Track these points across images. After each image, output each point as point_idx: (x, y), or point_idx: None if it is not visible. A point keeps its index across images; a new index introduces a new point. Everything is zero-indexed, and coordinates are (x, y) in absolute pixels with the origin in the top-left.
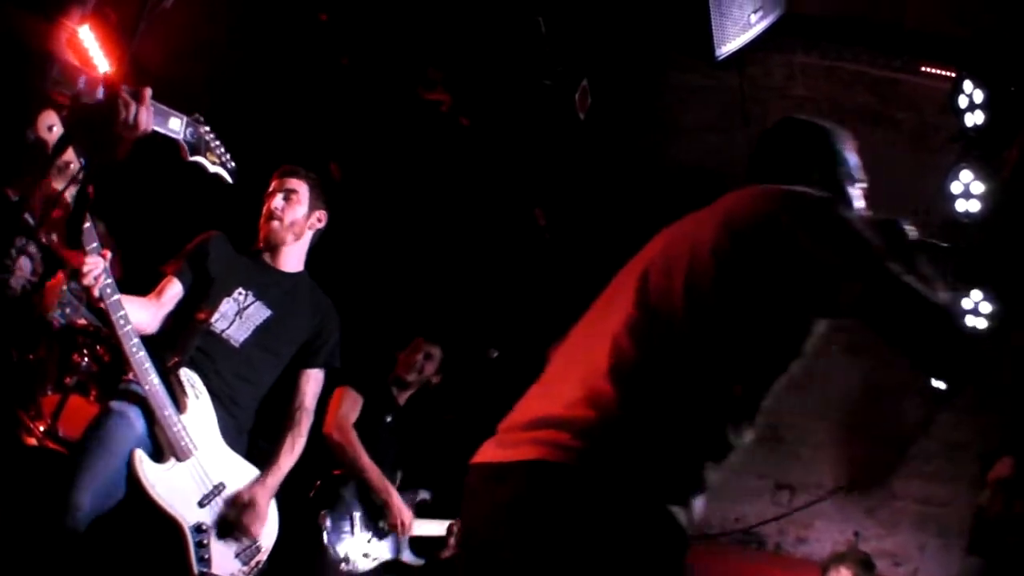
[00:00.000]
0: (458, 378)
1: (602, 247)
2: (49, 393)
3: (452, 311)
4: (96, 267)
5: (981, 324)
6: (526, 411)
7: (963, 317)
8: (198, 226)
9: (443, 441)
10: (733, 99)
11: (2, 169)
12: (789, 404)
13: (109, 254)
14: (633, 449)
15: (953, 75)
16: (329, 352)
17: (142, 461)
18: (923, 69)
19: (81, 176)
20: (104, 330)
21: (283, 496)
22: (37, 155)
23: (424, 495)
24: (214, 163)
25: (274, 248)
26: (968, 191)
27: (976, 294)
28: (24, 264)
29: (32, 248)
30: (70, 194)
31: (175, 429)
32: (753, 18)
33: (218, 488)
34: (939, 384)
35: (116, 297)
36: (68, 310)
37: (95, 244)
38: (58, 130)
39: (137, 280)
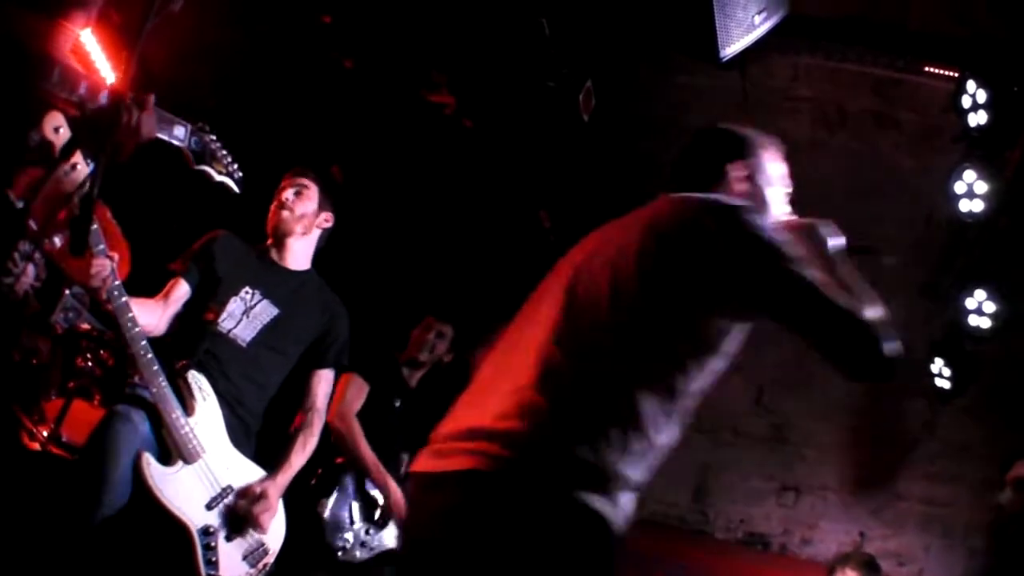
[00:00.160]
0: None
1: None
2: (52, 397)
3: (456, 315)
4: (104, 269)
5: (985, 324)
6: (459, 421)
7: (878, 322)
8: (204, 228)
9: None
10: (736, 101)
11: (3, 170)
12: (794, 406)
13: (116, 256)
14: (562, 455)
15: (956, 75)
16: (338, 351)
17: (149, 464)
18: (926, 69)
19: (88, 179)
20: (108, 334)
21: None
22: (43, 157)
23: None
24: (220, 172)
25: (281, 239)
26: (971, 191)
27: (980, 294)
28: (29, 269)
29: (36, 254)
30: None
31: (183, 432)
32: (757, 19)
33: (226, 491)
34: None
35: (124, 299)
36: (71, 314)
37: (102, 246)
38: (65, 132)
39: (142, 281)
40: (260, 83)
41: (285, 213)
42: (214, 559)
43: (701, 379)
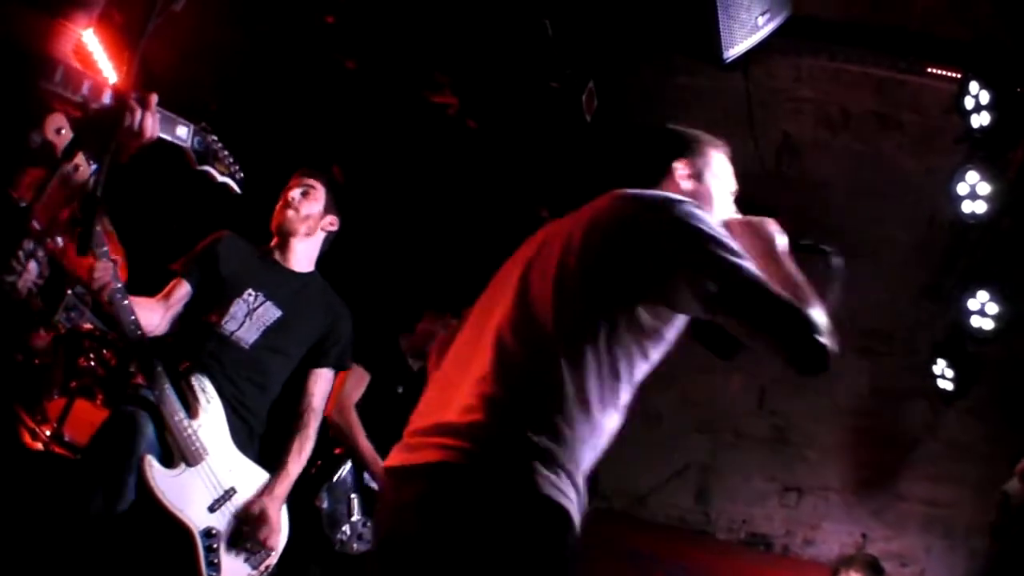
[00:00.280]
0: None
1: None
2: (55, 397)
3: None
4: (106, 271)
5: (987, 325)
6: (427, 416)
7: (817, 316)
8: (206, 229)
9: None
10: (739, 102)
11: (6, 170)
12: (796, 407)
13: (119, 258)
14: (520, 445)
15: (959, 76)
16: (340, 352)
17: (152, 466)
18: (929, 70)
19: (91, 181)
20: (110, 334)
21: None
22: (45, 158)
23: None
24: (222, 173)
25: (285, 239)
26: (974, 192)
27: (982, 295)
28: (32, 268)
29: (40, 252)
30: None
31: (186, 434)
32: (760, 20)
33: (229, 493)
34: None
35: (126, 302)
36: (74, 314)
37: (104, 248)
38: (66, 133)
39: (143, 281)
40: (263, 84)
41: (290, 212)
42: (216, 561)
43: (645, 366)
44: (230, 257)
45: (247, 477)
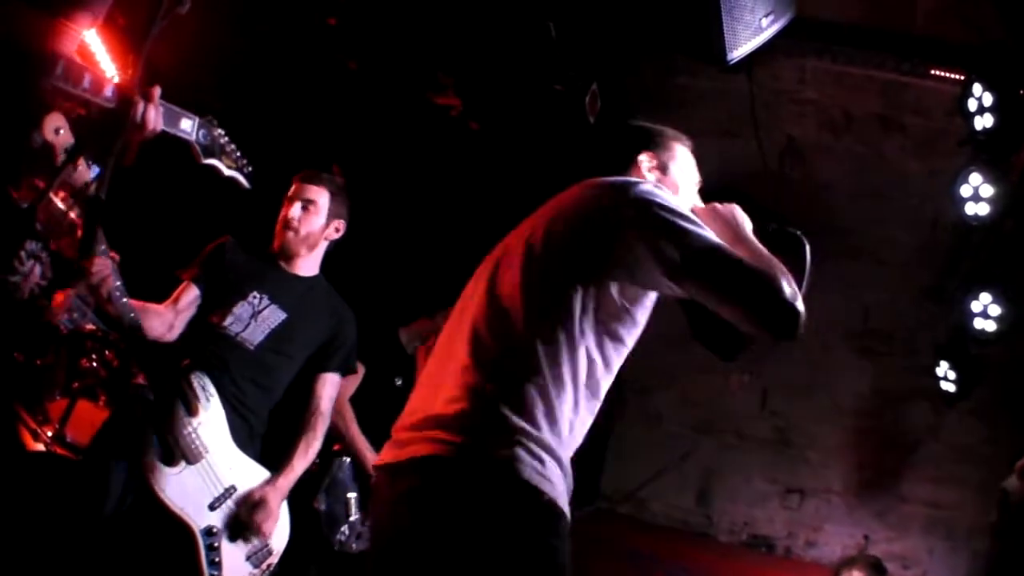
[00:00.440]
0: None
1: None
2: (57, 398)
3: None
4: (105, 267)
5: (990, 327)
6: (415, 411)
7: (787, 281)
8: (209, 229)
9: None
10: (743, 103)
11: (7, 170)
12: (798, 408)
13: (118, 256)
14: (504, 430)
15: (962, 79)
16: (345, 356)
17: (152, 464)
18: (932, 73)
19: (94, 181)
20: (112, 334)
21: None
22: (44, 159)
23: None
24: (230, 167)
25: (288, 258)
26: (977, 194)
27: (985, 297)
28: (35, 269)
29: (43, 253)
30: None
31: (186, 432)
32: (764, 22)
33: (229, 491)
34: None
35: (125, 299)
36: (76, 315)
37: (104, 247)
38: (65, 133)
39: (148, 283)
40: (266, 85)
41: (290, 235)
42: (217, 560)
43: (618, 347)
44: (234, 261)
45: (247, 475)
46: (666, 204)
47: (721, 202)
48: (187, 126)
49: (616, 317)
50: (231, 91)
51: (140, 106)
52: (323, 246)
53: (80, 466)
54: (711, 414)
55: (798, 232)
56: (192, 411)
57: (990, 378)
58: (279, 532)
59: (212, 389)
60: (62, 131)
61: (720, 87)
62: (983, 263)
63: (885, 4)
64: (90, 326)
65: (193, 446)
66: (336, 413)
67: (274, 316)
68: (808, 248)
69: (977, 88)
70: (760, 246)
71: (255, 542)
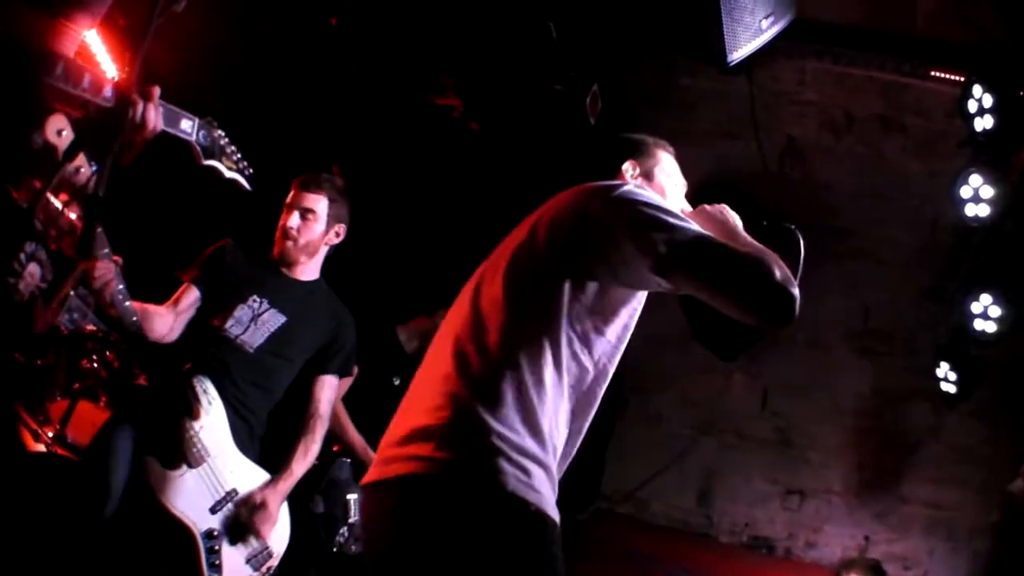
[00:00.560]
0: None
1: None
2: (58, 399)
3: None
4: (108, 271)
5: (990, 328)
6: (400, 426)
7: (779, 268)
8: (209, 231)
9: None
10: (743, 105)
11: (6, 171)
12: (798, 409)
13: (121, 260)
14: (486, 439)
15: (962, 80)
16: (344, 359)
17: (153, 467)
18: (932, 74)
19: (93, 181)
20: (113, 335)
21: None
22: (45, 160)
23: None
24: (230, 168)
25: (289, 264)
26: (977, 195)
27: (986, 298)
28: (34, 270)
29: (42, 254)
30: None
31: (188, 436)
32: (764, 23)
33: (230, 494)
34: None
35: (128, 303)
36: (76, 315)
37: (106, 250)
38: (67, 135)
39: (149, 285)
40: (266, 86)
41: (289, 244)
42: (218, 562)
43: (606, 350)
44: (234, 264)
45: (248, 478)
46: (651, 201)
47: (711, 203)
48: (187, 127)
49: (602, 319)
50: (231, 91)
51: (139, 106)
52: (323, 251)
53: (81, 467)
54: (711, 414)
55: (791, 226)
56: (194, 415)
57: (990, 379)
58: (279, 534)
59: (214, 392)
60: (64, 132)
61: (720, 88)
62: (983, 264)
63: (885, 5)
64: (91, 327)
65: (195, 450)
66: (331, 414)
67: (274, 320)
68: (802, 241)
69: (977, 89)
70: (753, 241)
71: (255, 545)
